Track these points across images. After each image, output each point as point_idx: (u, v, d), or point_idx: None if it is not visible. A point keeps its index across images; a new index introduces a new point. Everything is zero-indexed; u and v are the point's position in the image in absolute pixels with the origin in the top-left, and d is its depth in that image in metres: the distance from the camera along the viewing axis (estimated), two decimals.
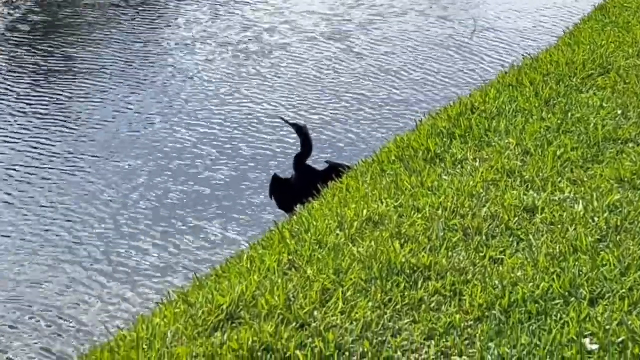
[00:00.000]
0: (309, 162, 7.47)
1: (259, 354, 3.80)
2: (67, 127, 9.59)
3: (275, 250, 4.73)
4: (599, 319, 3.92)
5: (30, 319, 6.40)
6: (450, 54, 11.84)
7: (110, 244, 7.37)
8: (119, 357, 3.93)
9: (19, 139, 9.27)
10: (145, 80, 10.93)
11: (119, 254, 7.24)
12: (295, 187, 7.31)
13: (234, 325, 4.02)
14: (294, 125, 7.73)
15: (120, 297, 6.66)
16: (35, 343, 6.17)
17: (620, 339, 3.79)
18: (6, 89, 10.49)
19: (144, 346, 3.95)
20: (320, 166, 7.48)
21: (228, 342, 3.87)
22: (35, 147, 9.07)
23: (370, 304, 4.11)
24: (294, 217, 5.50)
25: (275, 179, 7.57)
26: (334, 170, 6.98)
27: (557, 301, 4.08)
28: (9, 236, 7.50)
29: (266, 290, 4.20)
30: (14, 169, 8.66)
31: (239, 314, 4.08)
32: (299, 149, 7.50)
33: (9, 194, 8.21)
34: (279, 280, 4.30)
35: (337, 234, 4.78)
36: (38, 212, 7.88)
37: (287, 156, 8.50)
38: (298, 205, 6.76)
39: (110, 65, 11.27)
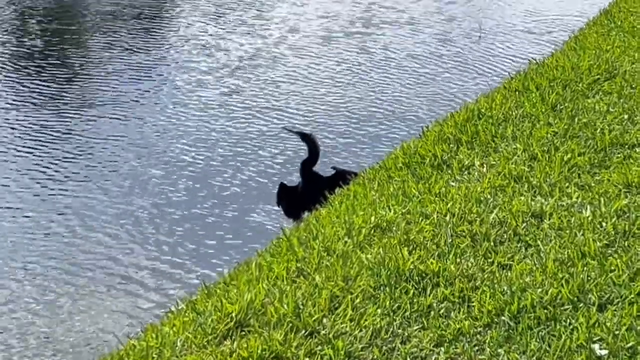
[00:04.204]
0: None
1: None
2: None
3: (283, 258, 4.73)
4: (608, 324, 3.92)
5: (42, 329, 6.41)
6: (456, 60, 11.85)
7: (118, 249, 7.39)
8: None
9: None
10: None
11: (128, 261, 7.25)
12: (302, 195, 7.32)
13: (243, 333, 4.03)
14: (299, 134, 7.74)
15: (129, 305, 6.66)
16: (46, 352, 6.17)
17: (629, 345, 3.80)
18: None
19: (154, 355, 3.96)
20: (326, 173, 7.49)
21: (238, 351, 3.88)
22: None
23: (379, 311, 4.11)
24: (302, 224, 5.50)
25: (283, 187, 7.58)
26: (341, 177, 6.99)
27: (566, 307, 4.08)
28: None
29: (275, 298, 4.20)
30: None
31: (248, 322, 4.09)
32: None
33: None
34: (288, 288, 4.30)
35: (346, 241, 4.78)
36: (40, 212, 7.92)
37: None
38: (305, 213, 6.76)
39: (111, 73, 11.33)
